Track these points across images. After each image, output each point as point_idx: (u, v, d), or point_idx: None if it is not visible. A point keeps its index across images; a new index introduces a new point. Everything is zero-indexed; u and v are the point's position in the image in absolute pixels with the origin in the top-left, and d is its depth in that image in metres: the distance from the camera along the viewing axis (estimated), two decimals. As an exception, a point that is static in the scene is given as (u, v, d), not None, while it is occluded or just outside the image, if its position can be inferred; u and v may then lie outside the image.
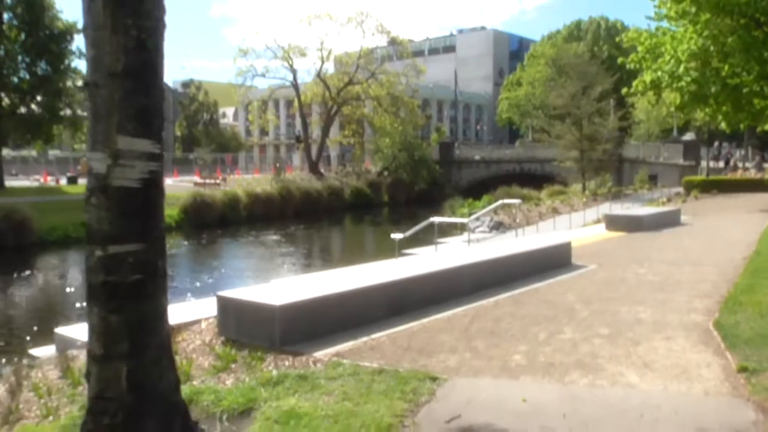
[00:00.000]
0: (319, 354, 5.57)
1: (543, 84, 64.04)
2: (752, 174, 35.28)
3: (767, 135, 41.09)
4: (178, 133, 75.00)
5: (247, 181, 41.84)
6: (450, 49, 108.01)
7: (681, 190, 31.56)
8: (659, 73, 22.46)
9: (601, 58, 48.55)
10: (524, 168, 51.65)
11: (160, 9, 3.80)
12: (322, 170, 51.21)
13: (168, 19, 3.87)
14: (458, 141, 72.57)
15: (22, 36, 35.37)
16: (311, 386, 4.66)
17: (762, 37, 19.84)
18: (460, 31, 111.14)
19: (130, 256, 3.71)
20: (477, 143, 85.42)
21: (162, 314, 3.93)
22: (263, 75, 49.80)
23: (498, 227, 24.37)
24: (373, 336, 6.12)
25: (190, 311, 7.91)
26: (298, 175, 47.79)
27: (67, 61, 36.48)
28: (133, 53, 3.64)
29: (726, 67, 20.69)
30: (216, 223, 32.16)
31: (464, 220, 20.03)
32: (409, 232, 16.11)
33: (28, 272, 19.41)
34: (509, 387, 4.56)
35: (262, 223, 33.98)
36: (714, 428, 3.69)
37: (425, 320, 6.70)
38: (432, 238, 18.50)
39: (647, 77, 23.08)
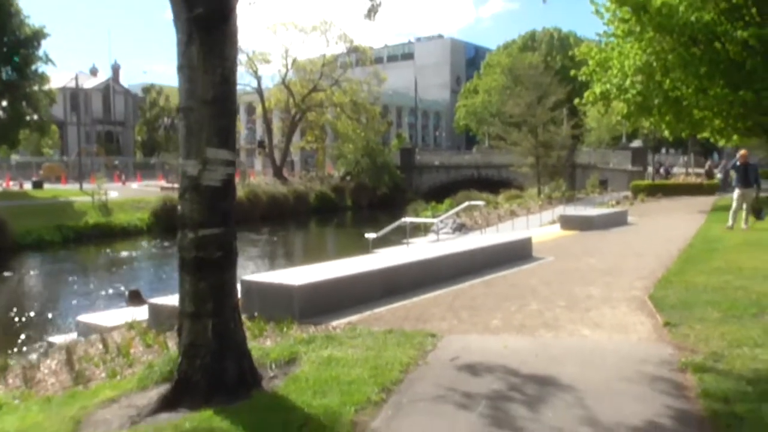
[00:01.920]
0: (335, 323, 6.84)
1: (499, 92, 66.16)
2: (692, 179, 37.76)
3: (709, 142, 43.88)
4: (138, 138, 74.78)
5: (213, 186, 42.44)
6: (408, 56, 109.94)
7: (629, 193, 33.61)
8: (608, 85, 24.39)
9: (555, 68, 50.76)
10: (482, 173, 53.50)
11: (236, 52, 5.05)
12: (286, 175, 52.18)
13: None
14: (418, 147, 74.37)
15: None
16: (338, 343, 5.93)
17: (699, 55, 21.80)
18: (418, 39, 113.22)
19: (214, 238, 4.94)
20: (436, 149, 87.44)
21: (234, 283, 5.16)
22: (228, 81, 50.43)
23: (461, 229, 25.84)
24: (375, 310, 7.42)
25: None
26: (263, 180, 48.60)
27: (33, 67, 36.67)
28: (218, 86, 4.88)
29: (668, 81, 22.66)
30: (185, 226, 32.91)
31: (434, 220, 21.47)
32: (382, 232, 17.44)
33: (15, 273, 20.06)
34: (492, 340, 5.93)
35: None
36: (642, 358, 5.12)
37: (415, 299, 8.03)
38: (399, 239, 19.87)
39: (597, 89, 24.98)
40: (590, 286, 8.57)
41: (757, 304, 6.76)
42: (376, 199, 49.61)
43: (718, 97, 21.58)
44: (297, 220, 41.06)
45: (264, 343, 6.28)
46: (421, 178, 56.63)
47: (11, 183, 43.59)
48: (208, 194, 4.91)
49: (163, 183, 44.80)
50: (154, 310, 8.72)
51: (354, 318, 7.08)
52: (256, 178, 49.94)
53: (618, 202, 29.51)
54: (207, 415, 4.34)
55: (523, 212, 28.62)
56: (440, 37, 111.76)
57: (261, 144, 55.18)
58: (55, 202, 33.59)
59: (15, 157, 51.43)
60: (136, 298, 10.93)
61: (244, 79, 51.88)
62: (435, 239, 20.77)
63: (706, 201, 27.20)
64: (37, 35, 36.22)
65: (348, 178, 51.97)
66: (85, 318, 10.08)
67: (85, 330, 9.66)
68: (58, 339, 10.34)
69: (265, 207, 40.38)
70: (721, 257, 10.59)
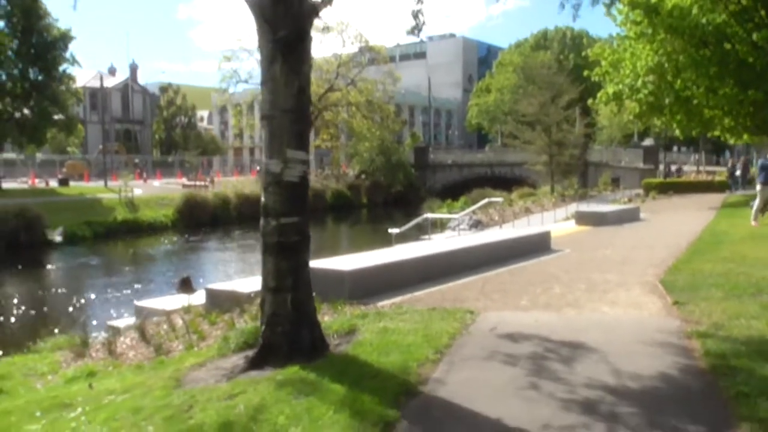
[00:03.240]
0: (381, 303, 7.76)
1: (511, 91, 66.89)
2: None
3: (720, 140, 44.48)
4: (156, 137, 76.06)
5: (232, 183, 43.63)
6: (420, 55, 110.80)
7: (641, 191, 34.28)
8: (620, 85, 25.13)
9: (568, 67, 51.37)
10: (495, 171, 54.20)
11: (310, 67, 5.97)
12: (303, 173, 53.03)
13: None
14: (431, 145, 75.24)
15: (15, 43, 36.60)
16: (389, 318, 6.84)
17: (709, 56, 22.51)
18: (431, 38, 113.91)
19: (293, 225, 5.87)
20: (448, 147, 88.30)
21: (308, 263, 6.09)
22: (246, 81, 51.43)
23: (477, 225, 26.66)
24: (414, 294, 8.33)
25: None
26: (280, 178, 49.53)
27: (60, 68, 37.82)
28: (296, 97, 5.81)
29: (679, 81, 23.39)
30: (208, 222, 34.02)
31: (455, 215, 22.34)
32: (405, 227, 18.35)
33: (60, 266, 21.15)
34: (524, 315, 6.84)
35: (251, 222, 35.86)
36: (653, 329, 6.01)
37: (449, 284, 8.93)
38: (418, 235, 20.74)
39: (610, 89, 25.72)
40: (606, 273, 9.45)
41: (756, 286, 7.63)
42: (390, 197, 50.52)
43: (728, 96, 22.28)
44: (314, 217, 41.75)
45: (323, 319, 7.19)
46: (435, 176, 57.47)
47: (37, 180, 44.86)
48: (288, 188, 5.83)
49: (184, 181, 45.93)
50: (211, 294, 9.68)
51: (397, 299, 7.99)
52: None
53: (630, 200, 30.23)
54: (293, 370, 5.26)
55: (537, 209, 29.43)
56: (452, 36, 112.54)
57: (277, 142, 56.13)
58: (83, 198, 34.73)
59: (39, 155, 52.71)
60: (186, 285, 11.82)
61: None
62: (453, 235, 21.65)
63: (717, 198, 27.94)
64: (64, 37, 37.39)
65: (363, 176, 52.92)
66: (143, 303, 11.07)
67: (144, 314, 10.61)
68: (117, 323, 11.31)
69: (284, 204, 41.29)
70: (727, 248, 11.43)
